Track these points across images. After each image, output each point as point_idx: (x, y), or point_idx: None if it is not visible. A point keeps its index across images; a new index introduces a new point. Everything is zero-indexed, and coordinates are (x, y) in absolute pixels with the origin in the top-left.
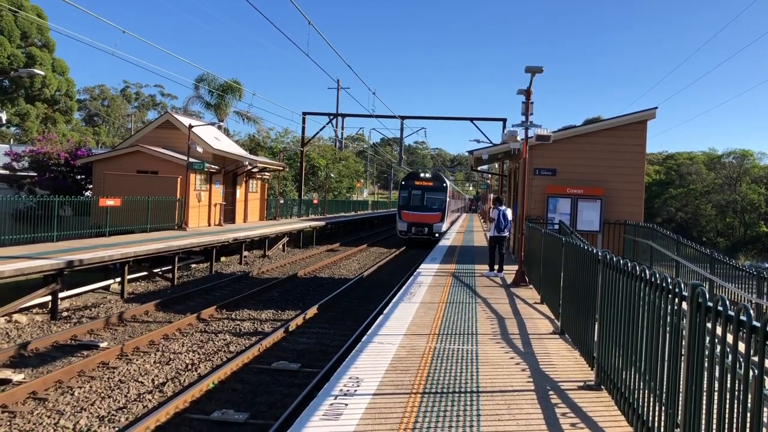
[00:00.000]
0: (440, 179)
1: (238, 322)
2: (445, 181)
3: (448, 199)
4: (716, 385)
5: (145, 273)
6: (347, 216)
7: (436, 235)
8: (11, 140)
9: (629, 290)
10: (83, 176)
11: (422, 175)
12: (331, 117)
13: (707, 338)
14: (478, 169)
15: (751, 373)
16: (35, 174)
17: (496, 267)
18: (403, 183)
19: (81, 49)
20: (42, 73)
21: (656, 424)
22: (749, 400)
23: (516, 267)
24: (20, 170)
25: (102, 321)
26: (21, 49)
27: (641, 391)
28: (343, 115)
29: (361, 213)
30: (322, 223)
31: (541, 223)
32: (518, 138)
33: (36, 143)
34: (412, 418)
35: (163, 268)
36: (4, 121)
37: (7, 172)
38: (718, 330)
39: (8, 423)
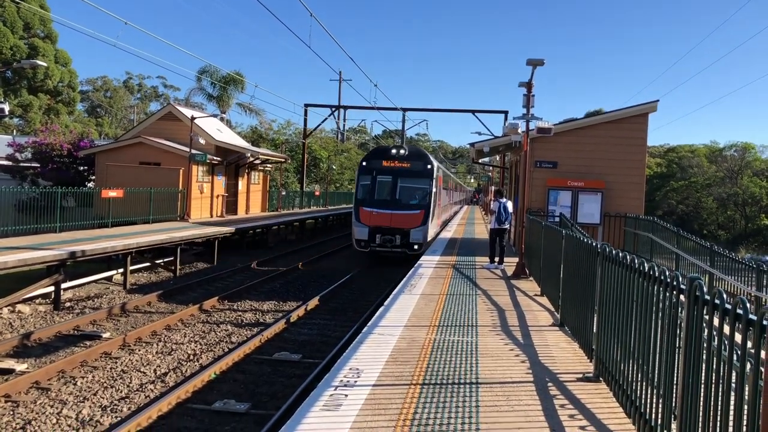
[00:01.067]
0: (423, 157)
1: (240, 313)
2: (430, 161)
3: (434, 189)
4: (713, 377)
5: (147, 264)
6: (349, 207)
7: (416, 246)
8: (14, 131)
9: (628, 283)
10: (86, 167)
11: (394, 152)
12: (333, 109)
13: (705, 331)
14: (480, 161)
15: (747, 365)
16: (38, 165)
17: (497, 259)
18: (363, 164)
19: (83, 40)
20: (44, 64)
21: (654, 416)
22: (746, 392)
23: (516, 259)
24: (23, 161)
25: (104, 311)
26: (23, 40)
27: (639, 383)
28: (345, 107)
29: None
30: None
31: (542, 216)
32: (519, 131)
33: (39, 134)
34: (411, 408)
35: (165, 259)
36: (6, 112)
37: (10, 163)
38: (716, 323)
39: (11, 412)
